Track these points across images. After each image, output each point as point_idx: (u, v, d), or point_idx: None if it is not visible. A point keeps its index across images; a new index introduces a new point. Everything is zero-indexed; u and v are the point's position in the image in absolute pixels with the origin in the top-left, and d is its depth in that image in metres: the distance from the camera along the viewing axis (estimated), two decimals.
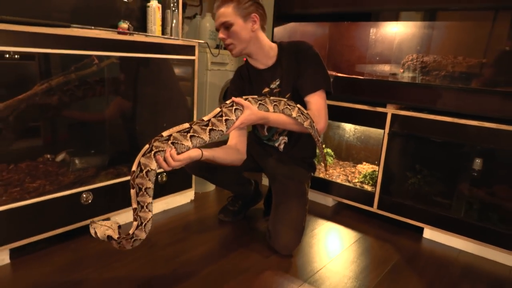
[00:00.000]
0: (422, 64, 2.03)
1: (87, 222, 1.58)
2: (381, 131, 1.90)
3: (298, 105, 1.38)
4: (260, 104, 1.34)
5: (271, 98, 1.37)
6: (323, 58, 2.45)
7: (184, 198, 2.01)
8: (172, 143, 1.13)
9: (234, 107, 1.24)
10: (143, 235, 1.15)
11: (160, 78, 1.80)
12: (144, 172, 1.10)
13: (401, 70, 2.13)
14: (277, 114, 1.37)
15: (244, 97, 1.29)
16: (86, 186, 1.56)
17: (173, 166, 1.14)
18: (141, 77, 1.72)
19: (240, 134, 1.52)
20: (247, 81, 1.65)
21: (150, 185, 1.12)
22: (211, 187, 2.26)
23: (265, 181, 2.34)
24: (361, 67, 2.39)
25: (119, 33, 1.58)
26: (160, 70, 1.79)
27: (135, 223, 1.13)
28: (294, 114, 1.38)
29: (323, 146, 2.50)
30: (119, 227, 1.16)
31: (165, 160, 1.12)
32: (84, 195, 1.54)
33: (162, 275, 1.34)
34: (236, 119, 1.24)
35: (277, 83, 1.59)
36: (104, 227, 1.13)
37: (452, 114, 1.71)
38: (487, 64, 1.86)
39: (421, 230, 1.84)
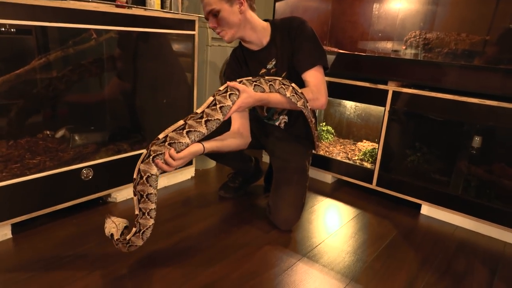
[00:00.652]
0: (425, 41, 2.00)
1: (89, 198, 1.59)
2: (382, 108, 1.89)
3: (293, 84, 1.34)
4: (255, 85, 1.30)
5: (266, 77, 1.34)
6: (325, 34, 2.42)
7: (184, 174, 2.02)
8: (170, 144, 1.12)
9: (228, 93, 1.20)
10: (139, 242, 1.19)
11: (159, 53, 1.78)
12: (144, 178, 1.11)
13: (404, 47, 2.11)
14: (274, 94, 1.35)
15: (238, 80, 1.26)
16: (86, 162, 1.56)
17: (175, 166, 1.14)
18: (140, 52, 1.70)
19: (242, 116, 1.50)
20: (243, 63, 1.63)
21: (152, 190, 1.14)
22: (212, 164, 2.27)
23: (266, 158, 2.35)
24: (363, 44, 2.35)
25: (117, 6, 1.55)
26: (160, 45, 1.76)
27: (134, 229, 1.16)
28: (288, 94, 1.34)
29: (323, 124, 2.49)
30: (125, 227, 1.21)
31: (165, 162, 1.12)
32: (85, 171, 1.55)
33: (163, 249, 1.36)
34: (232, 104, 1.21)
35: (273, 63, 1.57)
36: (112, 224, 1.19)
37: (453, 92, 1.70)
38: (490, 41, 1.84)
39: (418, 206, 1.86)
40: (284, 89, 1.35)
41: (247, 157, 1.88)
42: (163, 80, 1.83)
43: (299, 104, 1.36)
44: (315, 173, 2.20)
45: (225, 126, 1.39)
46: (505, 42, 1.79)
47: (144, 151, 1.12)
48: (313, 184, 2.11)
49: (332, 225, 1.67)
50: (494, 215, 1.65)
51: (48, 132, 1.63)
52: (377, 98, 1.90)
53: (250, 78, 1.30)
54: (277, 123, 1.70)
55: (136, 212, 1.15)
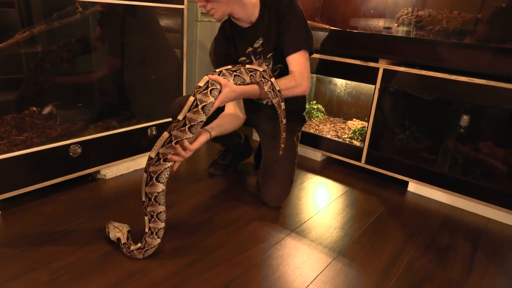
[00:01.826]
0: (417, 18, 1.98)
1: (77, 174, 1.59)
2: (372, 86, 1.89)
3: (272, 79, 1.29)
4: (235, 75, 1.26)
5: (247, 67, 1.29)
6: (317, 10, 2.39)
7: None
8: (164, 159, 1.12)
9: (209, 88, 1.15)
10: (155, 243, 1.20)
11: (146, 27, 1.74)
12: (152, 199, 1.14)
13: (396, 24, 2.09)
14: (255, 87, 1.31)
15: (217, 69, 1.22)
16: (74, 139, 1.54)
17: (185, 157, 1.15)
18: (127, 27, 1.66)
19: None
20: (231, 40, 1.61)
21: (162, 208, 1.17)
22: None
23: (256, 136, 2.35)
24: (355, 21, 2.33)
25: None
26: (147, 19, 1.72)
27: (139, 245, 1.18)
28: (266, 88, 1.31)
29: (313, 102, 2.49)
30: (129, 231, 1.23)
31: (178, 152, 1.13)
32: (73, 148, 1.54)
33: None
34: (215, 99, 1.17)
35: (260, 41, 1.56)
36: (116, 229, 1.22)
37: (444, 70, 1.70)
38: (482, 19, 1.83)
39: (406, 184, 1.89)
40: (263, 82, 1.31)
41: (237, 134, 1.88)
42: (151, 56, 1.80)
43: (274, 101, 1.33)
44: (305, 151, 2.21)
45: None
46: (496, 21, 1.79)
47: (144, 174, 1.12)
48: (303, 162, 2.13)
49: (321, 201, 1.70)
50: (479, 192, 1.69)
51: (34, 109, 1.60)
52: (368, 76, 1.89)
53: (230, 67, 1.25)
54: (264, 102, 1.69)
55: (143, 198, 1.16)
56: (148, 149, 1.84)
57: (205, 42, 2.21)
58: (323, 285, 1.15)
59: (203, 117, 1.15)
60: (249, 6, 1.50)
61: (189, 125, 1.12)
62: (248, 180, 1.85)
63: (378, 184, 1.92)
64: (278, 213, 1.55)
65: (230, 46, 1.61)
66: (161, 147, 1.10)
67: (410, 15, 2.01)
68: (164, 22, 1.80)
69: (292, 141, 1.66)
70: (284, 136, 1.38)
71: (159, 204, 1.15)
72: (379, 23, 2.21)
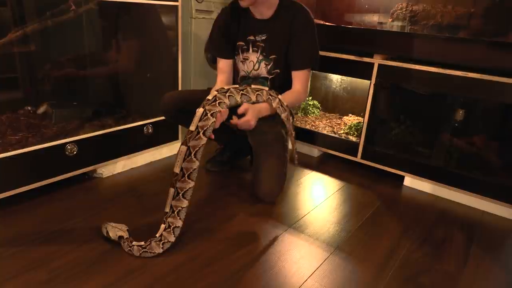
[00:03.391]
0: (411, 13, 1.99)
1: (74, 173, 1.58)
2: (368, 81, 1.90)
3: (279, 96, 1.43)
4: (242, 94, 1.34)
5: (253, 87, 1.38)
6: (311, 6, 2.38)
7: (170, 150, 2.02)
8: (188, 175, 1.18)
9: (217, 101, 1.23)
10: (171, 238, 1.22)
11: (141, 25, 1.73)
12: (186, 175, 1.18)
13: (390, 19, 2.10)
14: (267, 105, 1.44)
15: (226, 87, 1.28)
16: (70, 138, 1.54)
17: None
18: (121, 25, 1.66)
19: (228, 71, 1.64)
20: (236, 20, 1.62)
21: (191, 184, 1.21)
22: None
23: None
24: (349, 16, 2.33)
25: None
26: (141, 17, 1.72)
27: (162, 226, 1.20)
28: (274, 105, 1.43)
29: (309, 98, 2.49)
30: (127, 230, 1.24)
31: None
32: (69, 147, 1.53)
33: (151, 222, 1.37)
34: (227, 107, 1.28)
35: (263, 38, 1.59)
36: (115, 229, 1.22)
37: (438, 64, 1.71)
38: (475, 14, 1.84)
39: (402, 178, 1.90)
40: (272, 100, 1.42)
41: (225, 126, 1.87)
42: (146, 54, 1.79)
43: (283, 116, 1.46)
44: (301, 147, 2.22)
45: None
46: (490, 15, 1.80)
47: (171, 189, 1.18)
48: (300, 158, 2.13)
49: (318, 197, 1.70)
50: (474, 185, 1.70)
51: (29, 108, 1.59)
52: (363, 71, 1.90)
53: (237, 86, 1.33)
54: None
55: (167, 209, 1.20)
56: (145, 146, 1.86)
57: (200, 39, 2.20)
58: (321, 280, 1.16)
59: (212, 120, 1.22)
60: (271, 3, 1.54)
61: (203, 131, 1.19)
62: (245, 176, 1.85)
63: (374, 179, 1.93)
64: (275, 209, 1.56)
65: (234, 22, 1.62)
66: (183, 162, 1.16)
67: (404, 10, 2.02)
68: (158, 18, 1.79)
69: (281, 134, 1.67)
70: (295, 146, 1.51)
71: (186, 199, 1.21)
72: (374, 18, 2.21)
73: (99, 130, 1.64)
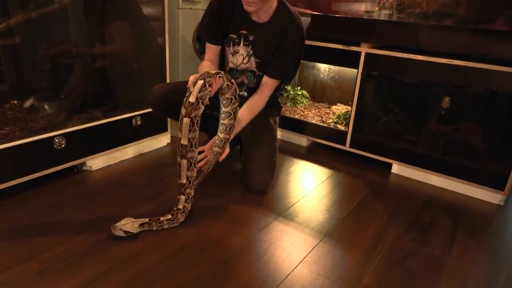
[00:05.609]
0: (398, 2, 2.00)
1: (63, 166, 1.57)
2: (355, 70, 1.91)
3: (235, 86, 1.37)
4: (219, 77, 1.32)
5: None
6: None
7: (160, 141, 2.02)
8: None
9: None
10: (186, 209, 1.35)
11: (127, 16, 1.71)
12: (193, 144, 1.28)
13: (377, 8, 2.11)
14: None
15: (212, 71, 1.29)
16: (58, 131, 1.53)
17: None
18: (107, 16, 1.64)
19: (215, 55, 1.64)
20: (231, 8, 1.55)
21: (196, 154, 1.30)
22: None
23: None
24: (337, 5, 2.33)
25: None
26: (127, 8, 1.70)
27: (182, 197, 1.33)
28: (228, 95, 1.39)
29: (298, 88, 2.50)
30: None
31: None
32: (57, 140, 1.52)
33: (143, 213, 1.38)
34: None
35: (251, 39, 1.57)
36: (129, 223, 1.24)
37: (424, 52, 1.73)
38: (461, 1, 1.86)
39: (389, 165, 1.94)
40: (229, 87, 1.37)
41: (212, 116, 1.87)
42: (133, 45, 1.78)
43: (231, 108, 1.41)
44: (290, 137, 2.23)
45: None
46: (475, 2, 1.82)
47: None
48: (289, 147, 2.15)
49: (307, 185, 1.73)
50: (460, 171, 1.74)
51: (15, 102, 1.57)
52: (350, 60, 1.91)
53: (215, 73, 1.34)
54: (240, 93, 1.70)
55: (184, 181, 1.30)
56: (135, 138, 1.85)
57: (188, 30, 2.19)
58: (311, 266, 1.18)
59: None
60: (272, 8, 1.52)
61: (201, 101, 1.25)
62: (235, 166, 1.87)
63: (363, 167, 1.96)
64: (265, 197, 1.58)
65: (228, 9, 1.56)
66: (189, 132, 1.25)
67: None
68: (145, 10, 1.77)
69: (269, 124, 1.68)
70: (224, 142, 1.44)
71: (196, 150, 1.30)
72: (361, 7, 2.22)
73: (87, 123, 1.63)
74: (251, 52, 1.59)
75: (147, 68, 1.87)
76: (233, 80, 1.36)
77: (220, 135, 1.40)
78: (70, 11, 1.53)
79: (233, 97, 1.37)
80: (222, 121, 1.40)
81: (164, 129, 2.01)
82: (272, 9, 1.52)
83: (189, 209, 1.35)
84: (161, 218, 1.29)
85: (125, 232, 1.22)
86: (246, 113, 1.53)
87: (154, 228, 1.29)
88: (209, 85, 1.26)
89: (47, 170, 1.53)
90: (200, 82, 1.24)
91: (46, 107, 1.59)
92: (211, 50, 1.63)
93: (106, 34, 1.67)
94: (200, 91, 1.23)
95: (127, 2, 1.68)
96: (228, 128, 1.39)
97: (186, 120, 1.23)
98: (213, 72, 1.29)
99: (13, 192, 1.45)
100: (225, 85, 1.32)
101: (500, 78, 1.56)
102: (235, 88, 1.37)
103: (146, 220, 1.26)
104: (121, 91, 1.83)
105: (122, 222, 1.24)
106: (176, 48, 2.19)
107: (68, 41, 1.58)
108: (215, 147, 1.41)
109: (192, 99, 1.22)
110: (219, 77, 1.28)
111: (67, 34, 1.58)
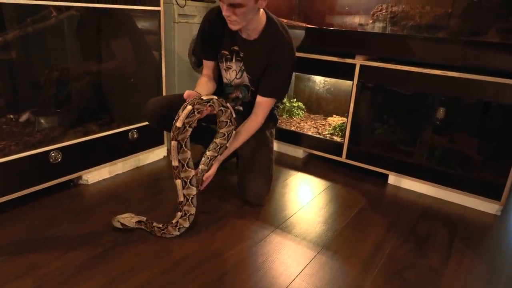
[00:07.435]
0: (391, 14, 2.04)
1: (58, 181, 1.57)
2: (350, 82, 1.93)
3: (231, 108, 1.38)
4: (210, 105, 1.32)
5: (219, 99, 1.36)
6: (293, 9, 2.41)
7: (156, 155, 2.01)
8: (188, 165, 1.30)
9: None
10: (186, 224, 1.35)
11: (123, 31, 1.73)
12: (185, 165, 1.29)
13: (371, 21, 2.14)
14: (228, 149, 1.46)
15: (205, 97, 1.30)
16: (54, 145, 1.53)
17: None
18: (103, 31, 1.65)
19: (213, 70, 1.65)
20: (222, 25, 1.54)
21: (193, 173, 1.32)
22: None
23: None
24: (331, 18, 2.37)
25: None
26: (123, 23, 1.71)
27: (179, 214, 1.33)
28: (223, 118, 1.40)
29: (294, 100, 2.52)
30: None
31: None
32: (53, 154, 1.52)
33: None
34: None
35: (242, 55, 1.57)
36: (128, 218, 1.32)
37: (418, 64, 1.75)
38: (453, 14, 1.89)
39: (386, 176, 1.94)
40: (223, 111, 1.38)
41: (207, 129, 1.86)
42: (130, 59, 1.79)
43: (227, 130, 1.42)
44: (287, 149, 2.24)
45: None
46: (467, 15, 1.85)
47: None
48: (285, 159, 2.16)
49: (304, 197, 1.72)
50: (456, 182, 1.75)
51: (11, 116, 1.57)
52: (345, 72, 1.93)
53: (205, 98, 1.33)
54: (236, 107, 1.71)
55: (181, 199, 1.30)
56: (131, 152, 1.85)
57: (184, 43, 2.21)
58: (309, 278, 1.17)
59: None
60: (259, 26, 1.51)
61: (188, 125, 1.26)
62: (231, 179, 1.86)
63: (359, 178, 1.96)
64: (262, 210, 1.57)
65: (220, 27, 1.56)
66: (178, 154, 1.26)
67: (384, 11, 2.07)
68: (141, 24, 1.79)
69: (265, 136, 1.68)
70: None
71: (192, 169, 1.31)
72: (355, 20, 2.25)
73: (83, 137, 1.63)
74: (243, 67, 1.60)
75: (143, 82, 1.88)
76: (228, 104, 1.36)
77: (208, 152, 1.41)
78: (66, 26, 1.54)
79: (228, 120, 1.38)
80: (214, 139, 1.42)
81: (161, 142, 2.01)
82: (261, 26, 1.51)
83: (185, 226, 1.34)
84: (154, 224, 1.32)
85: (122, 224, 1.30)
86: (241, 137, 1.52)
87: (148, 230, 1.34)
88: (197, 112, 1.27)
89: (43, 185, 1.52)
90: (189, 108, 1.24)
91: (42, 121, 1.59)
92: (207, 65, 1.65)
93: (104, 50, 1.69)
94: (187, 117, 1.24)
95: (123, 17, 1.70)
96: (219, 147, 1.41)
97: (173, 143, 1.24)
98: (205, 99, 1.29)
99: (9, 206, 1.44)
100: (217, 111, 1.34)
101: (493, 88, 1.58)
102: (231, 112, 1.37)
103: (144, 219, 1.33)
104: (117, 104, 1.83)
105: (123, 215, 1.32)
106: (172, 61, 2.20)
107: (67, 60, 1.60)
108: (200, 164, 1.40)
109: (179, 124, 1.23)
110: (210, 105, 1.30)
111: (63, 50, 1.59)
